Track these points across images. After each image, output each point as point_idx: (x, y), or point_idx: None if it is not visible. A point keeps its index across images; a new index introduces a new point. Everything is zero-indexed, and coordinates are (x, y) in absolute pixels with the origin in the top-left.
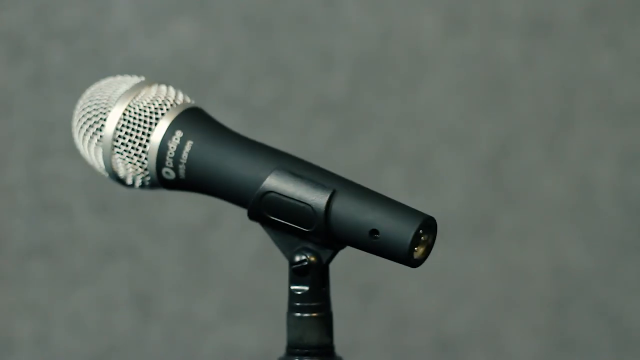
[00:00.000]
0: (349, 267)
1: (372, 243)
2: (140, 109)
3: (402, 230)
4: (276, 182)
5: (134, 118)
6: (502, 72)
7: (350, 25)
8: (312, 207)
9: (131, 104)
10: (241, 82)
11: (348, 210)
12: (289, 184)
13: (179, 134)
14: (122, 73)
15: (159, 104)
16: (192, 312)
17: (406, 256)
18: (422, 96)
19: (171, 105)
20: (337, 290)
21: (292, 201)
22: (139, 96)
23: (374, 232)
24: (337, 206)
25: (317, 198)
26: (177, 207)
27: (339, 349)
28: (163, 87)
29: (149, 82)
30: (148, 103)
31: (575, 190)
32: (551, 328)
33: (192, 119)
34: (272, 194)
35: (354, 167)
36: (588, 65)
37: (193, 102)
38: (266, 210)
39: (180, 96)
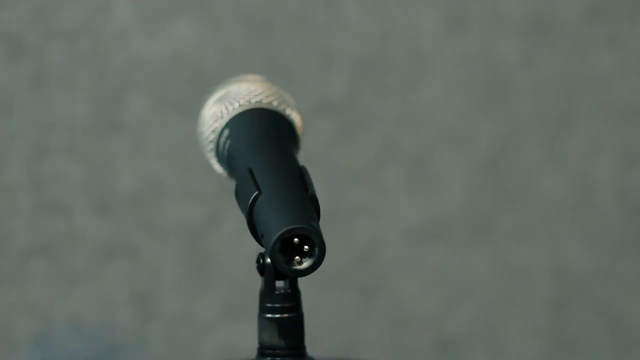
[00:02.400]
0: (348, 267)
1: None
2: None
3: (268, 239)
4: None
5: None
6: (502, 72)
7: (350, 25)
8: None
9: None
10: None
11: (258, 214)
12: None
13: (225, 132)
14: (122, 73)
15: (231, 101)
16: (192, 312)
17: (277, 266)
18: (422, 96)
19: (239, 104)
20: (336, 290)
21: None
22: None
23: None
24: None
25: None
26: (177, 207)
27: (339, 349)
28: (252, 86)
29: (255, 80)
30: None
31: (575, 190)
32: (551, 328)
33: (244, 122)
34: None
35: (354, 167)
36: (588, 65)
37: (274, 103)
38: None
39: (258, 97)
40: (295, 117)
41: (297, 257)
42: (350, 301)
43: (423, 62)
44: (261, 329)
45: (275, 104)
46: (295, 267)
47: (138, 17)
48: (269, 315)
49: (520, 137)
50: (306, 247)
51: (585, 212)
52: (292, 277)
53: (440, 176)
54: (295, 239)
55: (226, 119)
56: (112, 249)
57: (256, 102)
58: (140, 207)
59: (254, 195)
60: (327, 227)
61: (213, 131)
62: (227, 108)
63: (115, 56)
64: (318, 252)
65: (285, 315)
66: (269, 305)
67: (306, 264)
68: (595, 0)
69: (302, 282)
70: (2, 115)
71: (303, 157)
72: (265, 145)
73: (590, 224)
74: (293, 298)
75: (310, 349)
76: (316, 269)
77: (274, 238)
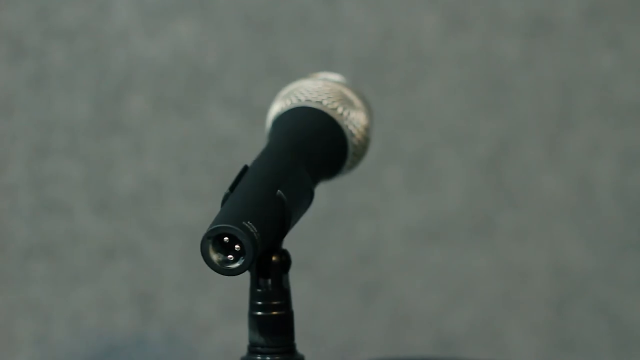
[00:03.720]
0: (349, 266)
1: None
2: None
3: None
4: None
5: None
6: (502, 72)
7: (350, 25)
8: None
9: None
10: (241, 82)
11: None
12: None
13: (271, 128)
14: (122, 73)
15: (290, 96)
16: (192, 311)
17: (207, 264)
18: (422, 96)
19: (298, 100)
20: (337, 290)
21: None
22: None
23: None
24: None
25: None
26: (177, 207)
27: (339, 349)
28: (314, 84)
29: (327, 80)
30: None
31: (575, 190)
32: (551, 328)
33: (285, 119)
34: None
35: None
36: (588, 65)
37: (325, 104)
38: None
39: (312, 96)
40: (355, 128)
41: (229, 256)
42: (351, 301)
43: (423, 62)
44: (249, 327)
45: (338, 109)
46: (226, 266)
47: (138, 17)
48: (255, 313)
49: (520, 137)
50: (237, 246)
51: (585, 212)
52: (225, 275)
53: (441, 176)
54: (225, 238)
55: (279, 113)
56: (113, 249)
57: (316, 102)
58: (140, 207)
59: (224, 194)
60: (327, 227)
61: (270, 122)
62: (285, 102)
63: (116, 56)
64: (246, 252)
65: (274, 313)
66: (254, 303)
67: (237, 263)
68: (595, 0)
69: (302, 282)
70: (3, 115)
71: None
72: (279, 144)
73: (590, 224)
74: (280, 296)
75: (311, 348)
76: (246, 268)
77: (202, 236)
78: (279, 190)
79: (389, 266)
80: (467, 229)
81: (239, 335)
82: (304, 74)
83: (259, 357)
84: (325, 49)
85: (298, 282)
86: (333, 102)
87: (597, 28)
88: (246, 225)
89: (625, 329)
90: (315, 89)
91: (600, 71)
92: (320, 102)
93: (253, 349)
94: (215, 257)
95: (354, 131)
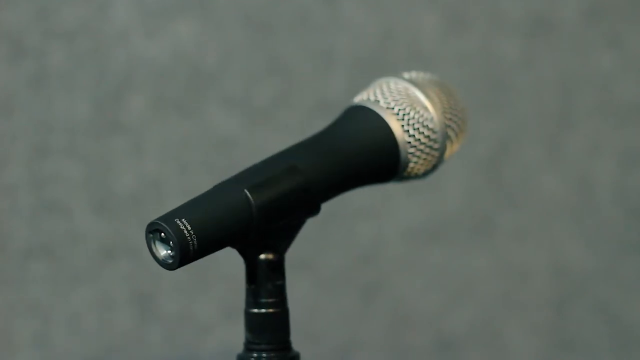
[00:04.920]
0: (349, 266)
1: None
2: None
3: None
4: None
5: None
6: (502, 72)
7: (350, 25)
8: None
9: None
10: (241, 82)
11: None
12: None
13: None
14: (122, 73)
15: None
16: (192, 312)
17: (153, 258)
18: None
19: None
20: (337, 290)
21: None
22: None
23: None
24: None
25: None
26: (176, 207)
27: (339, 348)
28: (392, 84)
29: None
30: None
31: (575, 190)
32: (551, 328)
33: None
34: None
35: None
36: (588, 65)
37: (375, 100)
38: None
39: (369, 96)
40: (400, 132)
41: (169, 252)
42: (351, 301)
43: (423, 62)
44: (244, 324)
45: (398, 111)
46: (165, 261)
47: (138, 17)
48: (250, 310)
49: (520, 137)
50: (171, 242)
51: (585, 212)
52: (166, 269)
53: (440, 176)
54: (162, 234)
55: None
56: (112, 249)
57: (385, 103)
58: (140, 207)
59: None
60: (328, 227)
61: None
62: (366, 94)
63: (115, 56)
64: (174, 248)
65: (269, 310)
66: (248, 300)
67: (172, 259)
68: (595, 0)
69: (302, 281)
70: (3, 115)
71: None
72: (310, 140)
73: (590, 224)
74: (275, 293)
75: (311, 348)
76: (178, 263)
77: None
78: (245, 190)
79: (389, 266)
80: (467, 229)
81: (239, 335)
82: (304, 74)
83: (254, 354)
84: (325, 49)
85: (298, 282)
86: (401, 105)
87: (597, 28)
88: (177, 222)
89: (625, 329)
90: (397, 98)
91: (600, 71)
92: (393, 110)
93: (249, 346)
94: (161, 251)
95: (416, 155)
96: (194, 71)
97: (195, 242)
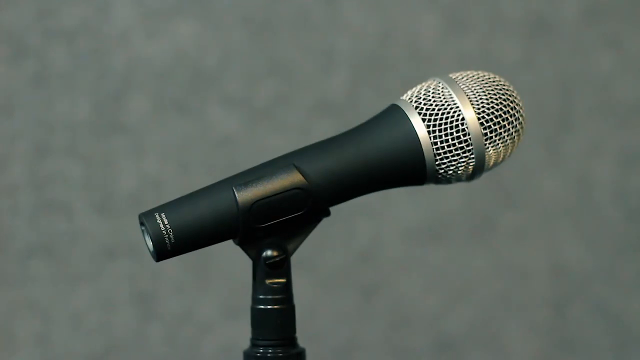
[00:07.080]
0: (349, 266)
1: None
2: None
3: None
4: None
5: None
6: (502, 73)
7: (350, 25)
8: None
9: None
10: (241, 82)
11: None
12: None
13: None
14: (122, 73)
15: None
16: (192, 312)
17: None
18: None
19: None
20: (337, 290)
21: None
22: None
23: None
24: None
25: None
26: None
27: (339, 348)
28: (433, 84)
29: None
30: None
31: (575, 190)
32: (551, 328)
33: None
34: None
35: None
36: (588, 65)
37: (409, 100)
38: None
39: (407, 95)
40: (425, 133)
41: (150, 244)
42: (351, 301)
43: (423, 62)
44: (251, 320)
45: (429, 111)
46: (150, 252)
47: (138, 17)
48: (255, 307)
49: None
50: (150, 235)
51: (585, 212)
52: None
53: None
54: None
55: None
56: (113, 249)
57: (416, 102)
58: (140, 207)
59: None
60: (328, 227)
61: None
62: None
63: (116, 56)
64: (152, 241)
65: (276, 306)
66: (254, 296)
67: (152, 251)
68: (595, 0)
69: (302, 281)
70: (4, 115)
71: None
72: (323, 142)
73: (590, 224)
74: (280, 291)
75: (311, 348)
76: (157, 256)
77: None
78: (232, 187)
79: (388, 266)
80: (467, 229)
81: (239, 335)
82: (304, 74)
83: (261, 350)
84: (325, 49)
85: (298, 282)
86: (429, 104)
87: (597, 28)
88: (155, 215)
89: (625, 329)
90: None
91: (600, 71)
92: (418, 101)
93: (255, 341)
94: (148, 243)
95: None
96: (194, 71)
97: (171, 236)
